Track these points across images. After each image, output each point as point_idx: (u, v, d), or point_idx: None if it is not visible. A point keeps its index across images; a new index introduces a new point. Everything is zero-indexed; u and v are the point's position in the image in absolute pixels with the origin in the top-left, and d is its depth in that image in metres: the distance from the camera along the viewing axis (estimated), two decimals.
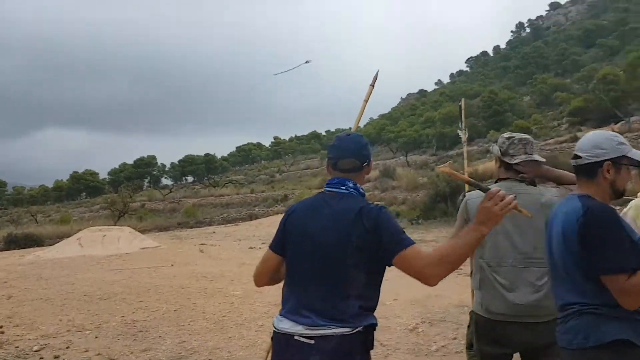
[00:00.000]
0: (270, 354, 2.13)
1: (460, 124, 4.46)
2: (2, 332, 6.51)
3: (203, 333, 6.10)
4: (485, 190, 1.90)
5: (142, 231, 22.04)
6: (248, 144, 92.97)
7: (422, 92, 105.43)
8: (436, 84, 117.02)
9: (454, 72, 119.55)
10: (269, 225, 23.54)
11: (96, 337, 6.16)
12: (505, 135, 2.83)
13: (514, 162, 2.70)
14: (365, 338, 1.93)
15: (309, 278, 1.99)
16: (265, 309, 7.27)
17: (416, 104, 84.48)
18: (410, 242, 1.92)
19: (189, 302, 7.94)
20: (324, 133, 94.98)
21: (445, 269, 1.85)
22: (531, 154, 2.73)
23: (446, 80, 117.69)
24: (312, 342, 1.88)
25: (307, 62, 3.72)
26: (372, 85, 3.22)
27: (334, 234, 1.95)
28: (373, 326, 1.96)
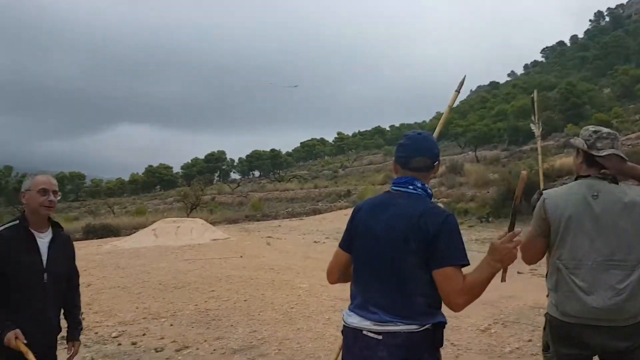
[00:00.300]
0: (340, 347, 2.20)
1: (533, 117, 4.23)
2: (83, 319, 6.88)
3: (272, 323, 6.19)
4: (512, 226, 2.01)
5: (213, 223, 22.72)
6: (312, 139, 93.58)
7: (493, 84, 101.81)
8: (509, 75, 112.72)
9: (528, 62, 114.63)
10: (333, 221, 23.62)
11: (171, 325, 6.39)
12: (592, 128, 2.64)
13: (601, 155, 2.52)
14: (434, 336, 1.93)
15: (374, 275, 2.02)
16: (331, 303, 7.27)
17: (487, 97, 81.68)
18: (462, 262, 1.91)
19: (258, 292, 8.08)
20: (387, 128, 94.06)
21: (470, 299, 1.90)
22: (617, 150, 2.54)
23: (520, 71, 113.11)
24: (380, 337, 1.91)
25: (295, 86, 3.63)
26: (457, 92, 3.09)
27: (396, 234, 1.97)
28: (442, 324, 1.97)
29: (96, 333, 6.19)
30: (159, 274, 10.32)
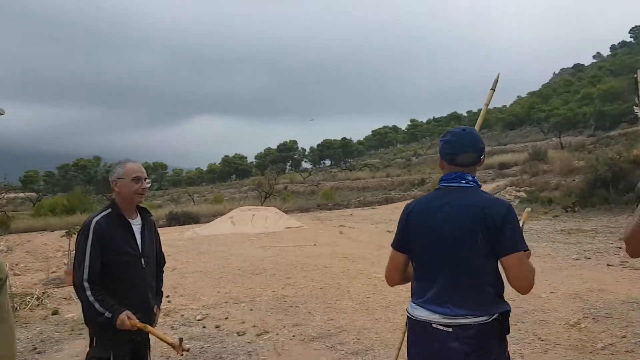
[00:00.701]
0: (405, 336, 2.29)
1: (636, 99, 3.89)
2: (169, 301, 7.24)
3: (350, 312, 6.20)
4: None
5: (286, 212, 23.11)
6: (384, 127, 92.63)
7: (577, 67, 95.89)
8: (594, 57, 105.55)
9: (616, 43, 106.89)
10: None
11: (251, 310, 6.58)
12: None
13: None
14: (501, 325, 2.03)
15: (440, 270, 2.07)
16: (409, 294, 7.17)
17: (571, 80, 77.22)
18: (526, 248, 2.02)
19: (334, 281, 8.13)
20: (464, 114, 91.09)
21: (531, 285, 2.04)
22: None
23: (606, 52, 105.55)
24: (450, 329, 1.99)
25: (311, 119, 3.48)
26: (493, 90, 3.01)
27: (461, 227, 2.02)
28: (508, 313, 2.06)
29: (182, 315, 6.48)
30: (237, 260, 10.65)
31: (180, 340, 2.54)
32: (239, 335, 5.48)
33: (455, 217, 2.05)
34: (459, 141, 2.18)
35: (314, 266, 9.53)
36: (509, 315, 2.07)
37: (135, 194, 2.80)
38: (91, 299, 2.58)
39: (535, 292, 6.82)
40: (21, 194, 47.10)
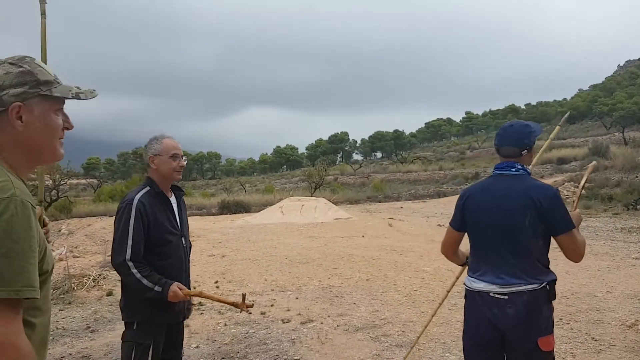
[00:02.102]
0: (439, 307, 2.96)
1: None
2: (217, 287, 7.38)
3: (395, 305, 6.12)
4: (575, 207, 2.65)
5: (335, 203, 23.13)
6: (437, 119, 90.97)
7: None
8: None
9: None
10: None
11: (297, 298, 6.61)
12: None
13: None
14: (549, 291, 2.32)
15: (495, 247, 2.37)
16: (458, 288, 6.98)
17: (637, 72, 73.25)
18: (574, 226, 2.31)
19: (380, 273, 8.06)
20: (522, 107, 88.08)
21: (583, 256, 2.35)
22: None
23: None
24: (506, 297, 2.30)
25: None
26: (560, 126, 3.18)
27: (513, 209, 2.31)
28: (554, 281, 2.34)
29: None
30: (285, 249, 10.74)
31: (243, 296, 2.50)
32: (284, 323, 5.52)
33: (508, 201, 2.35)
34: (504, 135, 2.49)
35: (361, 257, 9.48)
36: (555, 283, 2.35)
37: (173, 172, 2.71)
38: (138, 275, 2.52)
39: (591, 291, 6.52)
40: (83, 180, 49.38)
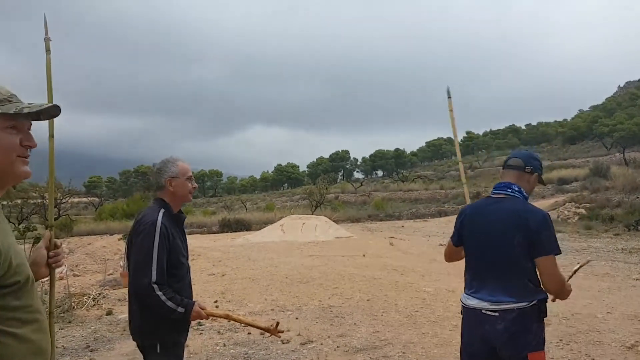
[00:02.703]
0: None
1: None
2: (217, 306, 7.36)
3: (396, 326, 6.10)
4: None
5: (336, 221, 23.11)
6: (438, 139, 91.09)
7: None
8: None
9: None
10: None
11: (296, 318, 6.59)
12: None
13: None
14: (539, 309, 2.39)
15: (486, 266, 2.48)
16: (459, 309, 6.97)
17: (637, 93, 73.59)
18: (558, 251, 2.38)
19: (381, 293, 8.03)
20: (523, 127, 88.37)
21: (558, 288, 2.42)
22: None
23: None
24: (497, 314, 2.39)
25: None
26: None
27: (505, 230, 2.41)
28: (545, 300, 2.42)
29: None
30: (286, 268, 10.72)
31: (277, 324, 2.62)
32: (283, 344, 5.50)
33: (500, 221, 2.46)
34: (517, 152, 2.72)
35: (362, 277, 9.46)
36: (546, 302, 2.43)
37: (189, 194, 2.74)
38: (163, 298, 2.48)
39: (591, 312, 6.49)
40: (84, 199, 49.43)
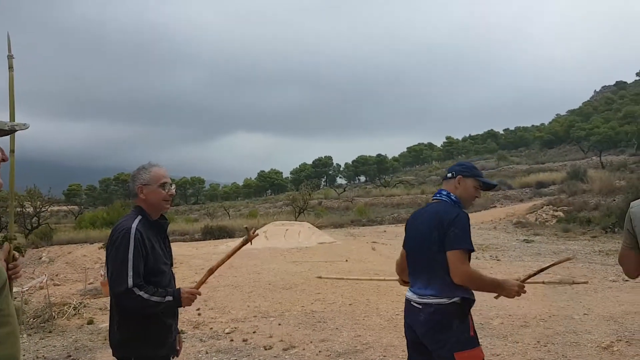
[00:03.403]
0: None
1: None
2: (199, 314, 7.36)
3: (377, 329, 6.18)
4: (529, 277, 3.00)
5: (319, 227, 23.16)
6: (419, 144, 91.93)
7: (620, 84, 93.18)
8: (638, 74, 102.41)
9: None
10: None
11: (279, 324, 6.63)
12: None
13: None
14: (461, 307, 2.56)
15: (416, 262, 2.75)
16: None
17: (613, 98, 75.21)
18: (465, 247, 2.55)
19: (363, 297, 8.11)
20: (501, 132, 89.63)
21: (466, 283, 2.54)
22: None
23: None
24: (420, 306, 2.63)
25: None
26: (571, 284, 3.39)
27: (427, 229, 2.66)
28: (467, 299, 2.59)
29: (211, 328, 6.58)
30: (269, 275, 10.74)
31: (247, 229, 2.68)
32: (266, 350, 5.54)
33: (425, 222, 2.73)
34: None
35: (345, 282, 9.52)
36: (470, 302, 2.61)
37: (163, 201, 2.63)
38: (145, 296, 2.43)
39: (568, 313, 6.65)
40: (64, 207, 48.73)
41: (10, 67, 2.10)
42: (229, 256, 2.67)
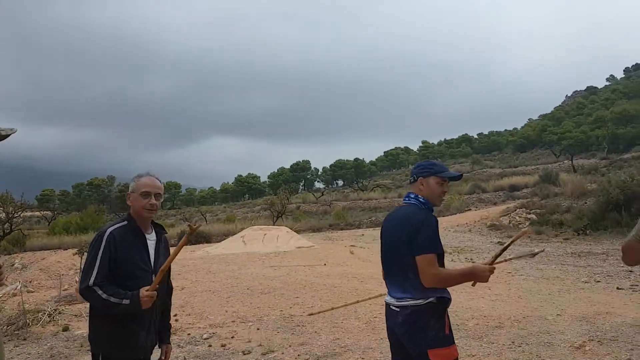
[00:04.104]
0: None
1: None
2: (177, 320, 7.32)
3: (355, 332, 6.23)
4: (495, 258, 2.84)
5: (297, 231, 23.16)
6: (396, 148, 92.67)
7: (591, 89, 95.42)
8: (608, 79, 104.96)
9: (629, 66, 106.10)
10: None
11: (258, 329, 6.63)
12: None
13: None
14: (437, 307, 2.62)
15: (389, 266, 2.80)
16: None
17: (584, 102, 77.07)
18: (432, 251, 2.59)
19: (341, 300, 8.14)
20: (475, 136, 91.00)
21: (437, 284, 2.59)
22: None
23: (620, 75, 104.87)
24: (398, 309, 2.68)
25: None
26: (532, 256, 3.43)
27: (396, 232, 2.73)
28: (442, 298, 2.64)
29: (189, 334, 6.55)
30: (247, 280, 10.71)
31: (189, 226, 2.66)
32: (244, 354, 5.54)
33: (394, 225, 2.80)
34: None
35: (323, 286, 9.57)
36: (445, 301, 2.67)
37: (143, 209, 2.73)
38: (104, 296, 2.54)
39: (542, 314, 6.80)
40: (37, 213, 47.70)
41: None
42: (175, 253, 2.69)
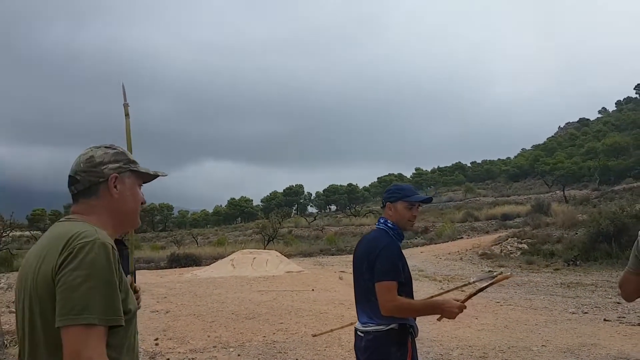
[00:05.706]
0: None
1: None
2: (157, 344, 7.19)
3: None
4: (469, 298, 2.80)
5: (288, 255, 23.02)
6: (389, 174, 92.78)
7: (583, 121, 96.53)
8: (600, 112, 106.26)
9: (621, 99, 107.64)
10: (408, 257, 22.97)
11: (238, 355, 6.52)
12: None
13: None
14: (399, 334, 2.60)
15: (356, 291, 2.82)
16: None
17: (576, 134, 77.87)
18: (391, 278, 2.58)
19: (327, 327, 8.03)
20: (468, 164, 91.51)
21: (395, 313, 2.58)
22: None
23: (612, 108, 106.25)
24: (362, 335, 2.68)
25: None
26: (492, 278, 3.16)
27: (361, 257, 2.76)
28: (406, 325, 2.63)
29: (168, 359, 6.43)
30: (233, 304, 10.59)
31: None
32: None
33: (361, 249, 2.82)
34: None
35: (309, 312, 9.46)
36: (407, 328, 2.65)
37: None
38: None
39: (527, 345, 6.74)
40: (27, 232, 47.25)
41: (127, 115, 2.31)
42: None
